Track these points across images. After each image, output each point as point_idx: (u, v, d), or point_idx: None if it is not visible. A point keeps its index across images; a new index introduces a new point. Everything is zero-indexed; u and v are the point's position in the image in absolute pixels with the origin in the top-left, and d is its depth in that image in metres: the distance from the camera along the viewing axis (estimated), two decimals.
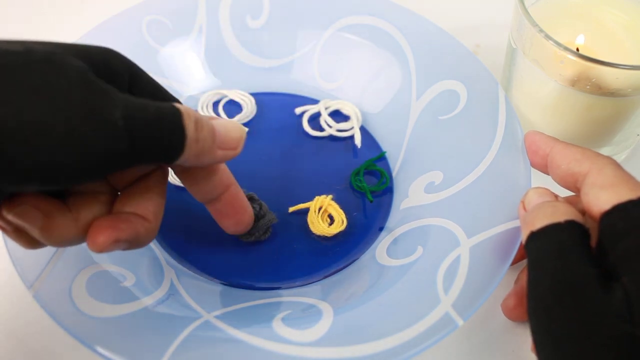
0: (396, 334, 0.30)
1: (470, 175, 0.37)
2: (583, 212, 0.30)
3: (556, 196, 0.31)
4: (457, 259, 0.33)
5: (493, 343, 0.35)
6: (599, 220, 0.27)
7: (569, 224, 0.28)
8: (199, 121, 0.27)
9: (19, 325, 0.35)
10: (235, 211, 0.34)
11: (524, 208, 0.32)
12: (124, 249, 0.27)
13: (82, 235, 0.26)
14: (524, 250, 0.29)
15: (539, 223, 0.28)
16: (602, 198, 0.27)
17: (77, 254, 0.33)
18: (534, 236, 0.28)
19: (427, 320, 0.30)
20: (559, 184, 0.32)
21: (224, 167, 0.32)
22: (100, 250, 0.25)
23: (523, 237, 0.29)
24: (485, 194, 0.36)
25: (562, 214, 0.28)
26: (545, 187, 0.32)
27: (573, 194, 0.32)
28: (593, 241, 0.28)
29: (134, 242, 0.27)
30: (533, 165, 0.34)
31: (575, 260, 0.26)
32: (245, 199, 0.34)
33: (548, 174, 0.33)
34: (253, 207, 0.36)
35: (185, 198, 0.39)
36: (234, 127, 0.29)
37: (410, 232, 0.37)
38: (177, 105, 0.26)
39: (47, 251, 0.32)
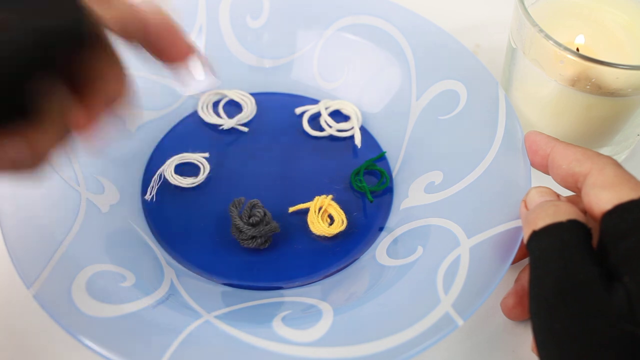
0: (396, 333, 0.30)
1: (470, 175, 0.37)
2: (584, 212, 0.30)
3: (558, 195, 0.31)
4: (457, 259, 0.33)
5: (493, 343, 0.35)
6: (601, 220, 0.27)
7: (572, 223, 0.28)
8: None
9: (19, 325, 0.35)
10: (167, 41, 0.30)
11: (526, 207, 0.31)
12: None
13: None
14: (525, 250, 0.29)
15: (541, 222, 0.28)
16: (603, 198, 0.27)
17: (77, 254, 0.33)
18: (536, 235, 0.28)
19: (427, 320, 0.30)
20: (559, 184, 0.32)
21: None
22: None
23: (525, 236, 0.29)
24: (486, 194, 0.36)
25: (564, 214, 0.28)
26: (546, 186, 0.32)
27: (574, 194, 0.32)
28: (594, 241, 0.28)
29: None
30: (533, 165, 0.34)
31: (578, 259, 0.26)
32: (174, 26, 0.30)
33: (548, 174, 0.33)
34: (257, 213, 0.36)
35: (186, 198, 0.39)
36: None
37: (410, 232, 0.37)
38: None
39: (47, 251, 0.32)
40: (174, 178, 0.40)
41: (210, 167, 0.41)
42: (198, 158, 0.41)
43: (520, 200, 0.33)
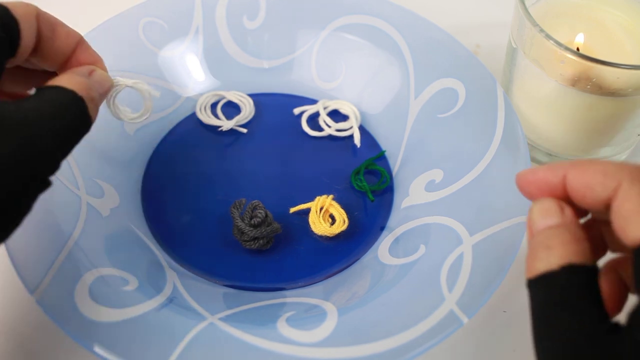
0: (402, 332, 0.30)
1: (471, 172, 0.37)
2: (603, 238, 0.27)
3: (562, 209, 0.26)
4: (460, 257, 0.33)
5: (495, 341, 0.35)
6: (632, 253, 0.24)
7: (565, 271, 0.24)
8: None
9: (21, 328, 0.34)
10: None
11: (530, 230, 0.27)
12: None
13: None
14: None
15: (534, 269, 0.25)
16: (631, 227, 0.24)
17: (79, 259, 0.32)
18: (530, 284, 0.25)
19: (432, 318, 0.31)
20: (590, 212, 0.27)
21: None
22: None
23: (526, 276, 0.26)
24: (487, 191, 0.36)
25: (557, 257, 0.25)
26: (549, 199, 0.27)
27: None
28: (629, 273, 0.25)
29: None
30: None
31: (576, 316, 0.24)
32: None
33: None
34: (258, 214, 0.36)
35: (187, 200, 0.39)
36: None
37: (412, 231, 0.37)
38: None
39: (49, 257, 0.32)
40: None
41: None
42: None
43: (521, 196, 0.30)
